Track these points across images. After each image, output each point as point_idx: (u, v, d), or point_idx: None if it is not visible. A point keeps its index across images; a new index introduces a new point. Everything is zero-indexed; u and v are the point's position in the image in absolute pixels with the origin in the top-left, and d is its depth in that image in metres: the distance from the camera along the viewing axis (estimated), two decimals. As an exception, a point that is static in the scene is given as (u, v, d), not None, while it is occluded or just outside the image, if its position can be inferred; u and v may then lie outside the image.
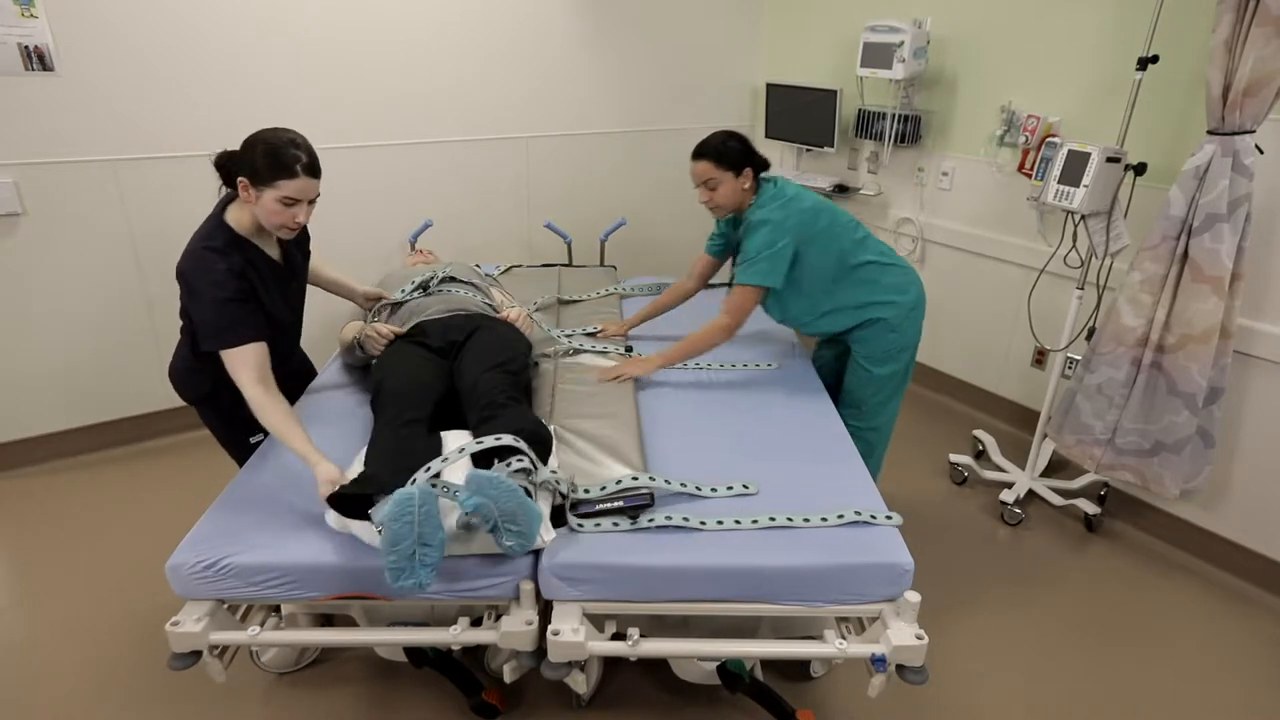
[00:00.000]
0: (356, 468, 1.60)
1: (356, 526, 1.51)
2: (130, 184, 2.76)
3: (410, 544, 1.35)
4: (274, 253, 1.84)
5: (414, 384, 1.82)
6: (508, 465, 1.51)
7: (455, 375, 1.93)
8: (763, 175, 2.16)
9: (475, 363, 1.88)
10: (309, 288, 2.09)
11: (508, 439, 1.56)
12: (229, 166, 1.71)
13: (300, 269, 1.99)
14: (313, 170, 1.67)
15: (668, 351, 2.19)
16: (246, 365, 1.67)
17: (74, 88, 2.58)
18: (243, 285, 1.71)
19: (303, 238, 1.99)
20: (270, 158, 1.63)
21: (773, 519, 1.61)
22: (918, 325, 2.28)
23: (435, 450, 1.61)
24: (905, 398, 2.96)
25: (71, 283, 2.76)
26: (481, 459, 1.57)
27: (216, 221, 1.74)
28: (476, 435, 1.62)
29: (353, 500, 1.46)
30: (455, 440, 1.66)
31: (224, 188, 1.76)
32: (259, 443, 1.92)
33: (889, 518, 1.63)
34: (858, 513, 1.63)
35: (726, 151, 2.08)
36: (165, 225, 2.84)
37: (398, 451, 1.58)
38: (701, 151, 2.11)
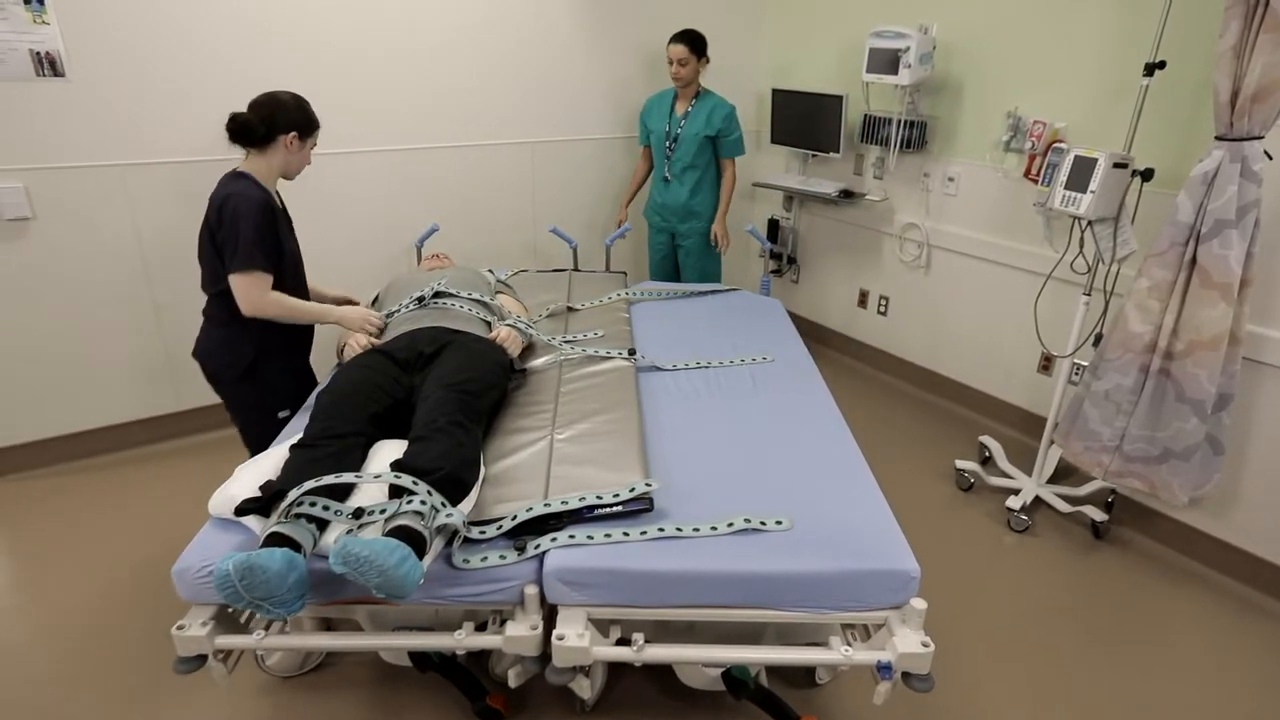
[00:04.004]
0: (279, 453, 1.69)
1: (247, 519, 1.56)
2: (139, 189, 2.78)
3: (247, 603, 1.35)
4: (281, 204, 2.11)
5: (354, 397, 1.79)
6: (408, 501, 1.48)
7: (416, 388, 1.90)
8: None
9: (434, 378, 1.87)
10: None
11: (408, 508, 1.49)
12: (258, 125, 1.95)
13: (292, 228, 2.20)
14: None
15: (721, 208, 3.43)
16: (264, 287, 1.95)
17: (84, 93, 2.60)
18: (272, 220, 1.98)
19: (285, 212, 2.18)
20: (307, 115, 2.05)
21: (661, 529, 1.59)
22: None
23: (351, 468, 1.62)
24: (910, 404, 3.58)
25: (79, 287, 2.78)
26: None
27: (238, 172, 2.01)
28: (406, 453, 1.63)
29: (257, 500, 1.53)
30: (387, 452, 1.68)
31: (241, 144, 1.98)
32: (287, 419, 2.10)
33: (779, 523, 1.61)
34: (747, 520, 1.61)
35: (699, 42, 3.19)
36: (173, 230, 2.86)
37: (302, 474, 1.56)
38: (680, 38, 3.16)
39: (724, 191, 3.41)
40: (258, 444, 2.08)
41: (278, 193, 2.13)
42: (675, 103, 3.36)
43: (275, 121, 1.98)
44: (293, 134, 2.01)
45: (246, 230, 1.90)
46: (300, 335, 2.20)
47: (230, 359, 2.05)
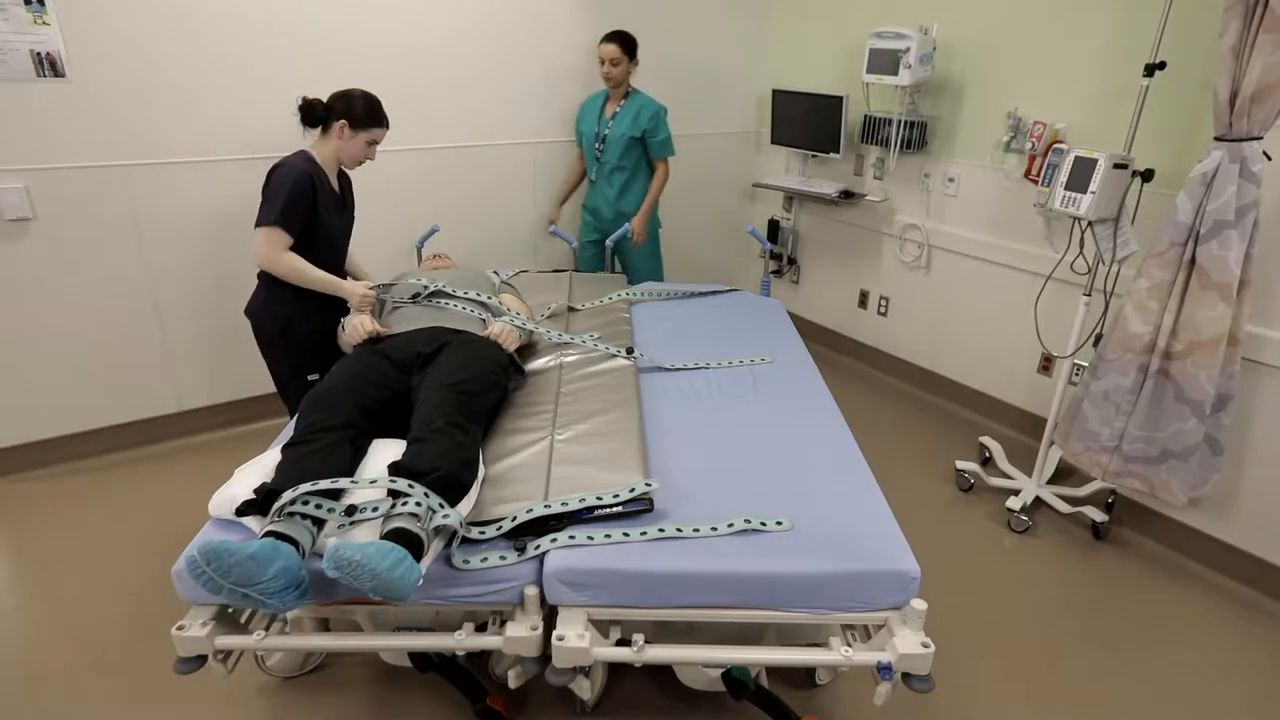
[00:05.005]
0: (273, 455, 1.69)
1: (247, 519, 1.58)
2: (140, 189, 2.77)
3: (229, 591, 1.35)
4: (335, 186, 2.32)
5: (340, 390, 1.80)
6: (404, 503, 1.48)
7: (414, 389, 1.90)
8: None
9: (432, 379, 1.87)
10: None
11: (404, 498, 1.51)
12: (319, 110, 2.19)
13: (348, 212, 2.43)
14: (389, 123, 2.30)
15: (644, 206, 3.37)
16: (280, 245, 2.13)
17: (85, 94, 2.60)
18: (310, 192, 2.15)
19: (350, 196, 2.44)
20: (369, 108, 2.23)
21: (661, 530, 1.59)
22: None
23: (342, 465, 1.62)
24: (910, 404, 3.51)
25: (80, 287, 2.78)
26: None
27: (300, 150, 2.23)
28: (404, 455, 1.63)
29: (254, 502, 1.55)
30: (385, 454, 1.68)
31: (304, 125, 2.21)
32: (315, 381, 2.24)
33: (779, 524, 1.61)
34: (747, 520, 1.61)
35: (630, 43, 3.18)
36: (174, 230, 2.86)
37: (292, 471, 1.57)
38: (613, 38, 3.15)
39: (651, 189, 3.38)
40: (291, 405, 2.33)
41: (343, 176, 2.37)
42: (605, 104, 3.35)
43: (333, 108, 2.20)
44: (343, 121, 2.19)
45: (276, 191, 2.10)
46: (332, 301, 2.33)
47: (270, 314, 2.26)
